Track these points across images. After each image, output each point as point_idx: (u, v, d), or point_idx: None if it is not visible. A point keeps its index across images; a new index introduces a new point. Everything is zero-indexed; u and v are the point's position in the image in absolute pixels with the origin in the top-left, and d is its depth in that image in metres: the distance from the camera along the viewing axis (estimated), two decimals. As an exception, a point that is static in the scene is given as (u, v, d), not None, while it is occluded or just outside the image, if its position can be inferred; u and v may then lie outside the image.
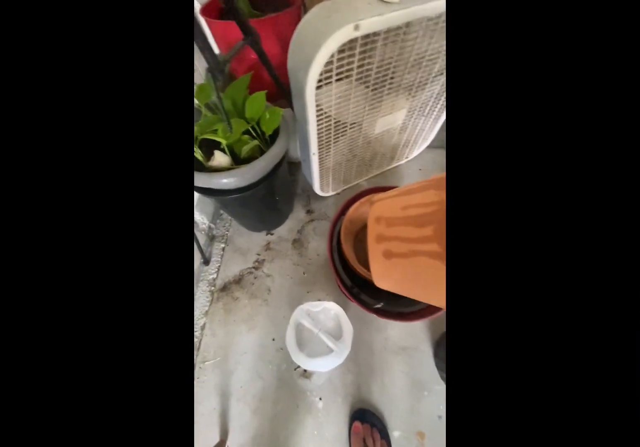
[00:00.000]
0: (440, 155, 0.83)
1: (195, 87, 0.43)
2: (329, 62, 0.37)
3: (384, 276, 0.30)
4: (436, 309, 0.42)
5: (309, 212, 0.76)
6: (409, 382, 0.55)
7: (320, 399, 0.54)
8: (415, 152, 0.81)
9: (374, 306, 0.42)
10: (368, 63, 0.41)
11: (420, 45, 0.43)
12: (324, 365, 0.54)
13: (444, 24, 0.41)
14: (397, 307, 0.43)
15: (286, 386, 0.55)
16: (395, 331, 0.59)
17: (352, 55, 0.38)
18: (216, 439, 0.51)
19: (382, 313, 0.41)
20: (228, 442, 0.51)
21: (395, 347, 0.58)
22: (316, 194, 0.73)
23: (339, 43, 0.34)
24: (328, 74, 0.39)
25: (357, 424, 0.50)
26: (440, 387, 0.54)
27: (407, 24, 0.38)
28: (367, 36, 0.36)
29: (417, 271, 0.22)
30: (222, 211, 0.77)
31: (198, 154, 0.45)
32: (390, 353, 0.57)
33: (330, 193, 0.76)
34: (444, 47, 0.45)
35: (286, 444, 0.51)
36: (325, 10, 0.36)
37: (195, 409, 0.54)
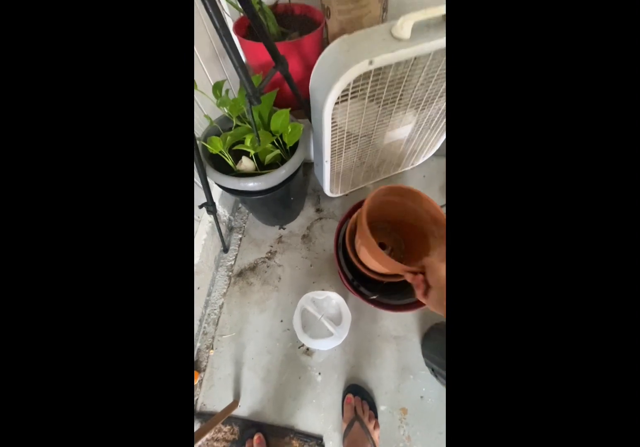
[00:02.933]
0: (444, 164, 0.88)
1: (231, 101, 0.49)
2: (346, 89, 0.43)
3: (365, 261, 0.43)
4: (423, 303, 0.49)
5: (318, 210, 0.84)
6: (397, 366, 0.63)
7: (320, 373, 0.62)
8: (421, 160, 0.86)
9: (370, 297, 0.49)
10: (380, 86, 0.47)
11: (428, 71, 0.49)
12: (324, 345, 0.63)
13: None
14: (389, 299, 0.50)
15: (291, 361, 0.64)
16: (389, 321, 0.66)
17: (366, 83, 0.44)
18: (230, 399, 0.60)
19: (377, 304, 0.49)
20: (240, 403, 0.60)
21: (388, 335, 0.65)
22: (325, 194, 0.80)
23: (355, 75, 0.41)
24: (344, 95, 0.45)
25: (349, 396, 0.59)
26: (425, 372, 0.62)
27: (416, 57, 0.44)
28: (379, 68, 0.42)
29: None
30: (240, 205, 0.85)
31: (229, 159, 0.52)
32: (383, 340, 0.65)
33: (339, 194, 0.83)
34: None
35: (288, 408, 0.60)
36: (345, 44, 0.42)
37: (214, 374, 0.64)
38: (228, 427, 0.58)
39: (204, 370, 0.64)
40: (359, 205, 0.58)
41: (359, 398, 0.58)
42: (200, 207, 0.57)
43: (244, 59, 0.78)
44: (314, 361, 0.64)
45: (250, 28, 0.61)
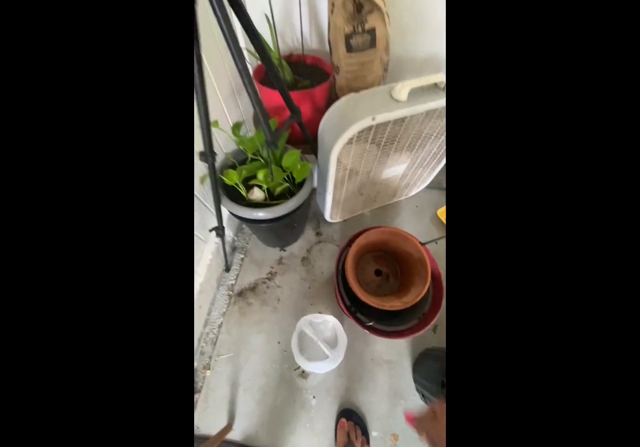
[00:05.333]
0: (436, 195, 0.96)
1: (248, 141, 0.56)
2: (351, 137, 0.50)
3: None
4: (415, 330, 0.53)
5: (318, 234, 0.88)
6: (389, 391, 0.65)
7: (314, 397, 0.64)
8: (414, 192, 0.94)
9: (366, 324, 0.53)
10: (380, 135, 0.54)
11: (421, 125, 0.56)
12: (320, 368, 0.65)
13: (440, 113, 0.54)
14: (384, 326, 0.54)
15: (286, 383, 0.65)
16: (381, 345, 0.69)
17: (369, 132, 0.51)
18: (224, 422, 0.61)
19: (373, 330, 0.53)
20: (234, 426, 0.61)
21: (381, 359, 0.68)
22: (325, 218, 0.85)
23: (360, 128, 0.48)
24: (349, 141, 0.52)
25: (343, 420, 0.60)
26: (415, 397, 0.64)
27: (412, 115, 0.51)
28: (380, 122, 0.49)
29: None
30: (243, 226, 0.89)
31: (242, 190, 0.57)
32: (375, 364, 0.68)
33: (338, 220, 0.89)
34: (439, 124, 0.59)
35: (282, 433, 0.61)
36: (352, 101, 0.50)
37: (209, 395, 0.64)
38: (221, 451, 0.58)
39: (200, 391, 0.65)
40: (358, 235, 0.63)
41: (352, 423, 0.60)
42: (211, 230, 0.61)
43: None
44: (309, 383, 0.65)
45: (267, 74, 0.69)
